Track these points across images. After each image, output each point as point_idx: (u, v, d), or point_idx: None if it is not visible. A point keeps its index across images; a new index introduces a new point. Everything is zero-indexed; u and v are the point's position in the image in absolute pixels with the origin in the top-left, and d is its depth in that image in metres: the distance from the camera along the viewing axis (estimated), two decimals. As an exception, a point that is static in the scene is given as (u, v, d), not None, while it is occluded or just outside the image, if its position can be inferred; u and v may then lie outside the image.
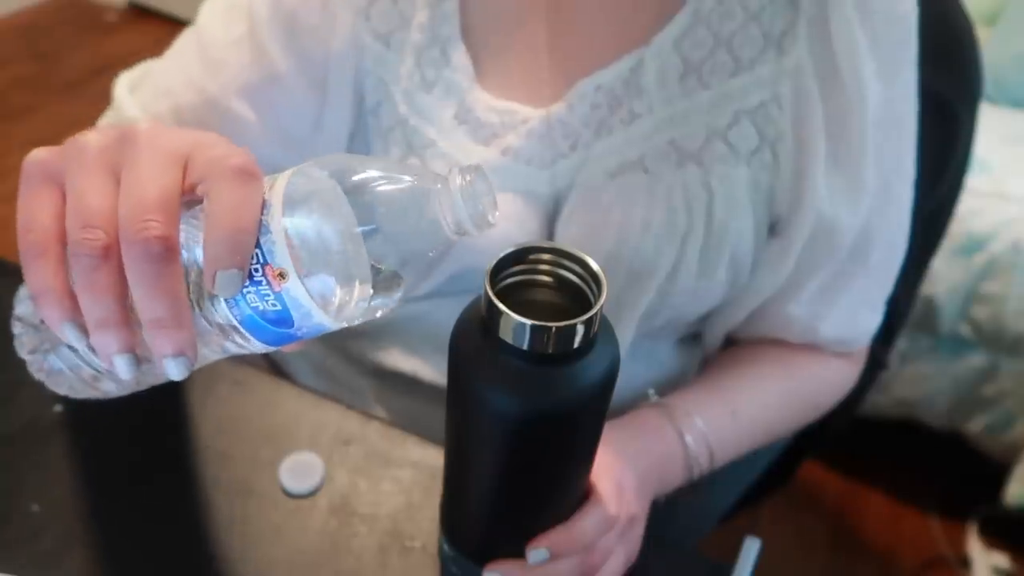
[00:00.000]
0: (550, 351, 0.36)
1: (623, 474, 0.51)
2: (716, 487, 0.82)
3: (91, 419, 0.57)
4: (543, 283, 0.39)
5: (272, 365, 0.79)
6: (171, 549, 0.51)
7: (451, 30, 0.59)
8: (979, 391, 1.43)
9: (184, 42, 0.64)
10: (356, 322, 0.37)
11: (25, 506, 0.52)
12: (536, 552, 0.45)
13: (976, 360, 1.42)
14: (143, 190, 0.33)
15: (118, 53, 2.61)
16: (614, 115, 0.58)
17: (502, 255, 0.37)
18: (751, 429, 0.63)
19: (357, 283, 0.35)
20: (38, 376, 0.38)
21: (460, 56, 0.59)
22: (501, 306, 0.35)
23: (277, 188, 0.35)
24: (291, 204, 0.34)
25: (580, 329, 0.35)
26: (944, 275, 1.35)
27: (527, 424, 0.38)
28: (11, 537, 0.50)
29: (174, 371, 0.34)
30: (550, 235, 0.60)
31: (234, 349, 0.37)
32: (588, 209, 0.58)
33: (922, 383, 1.45)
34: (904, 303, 0.74)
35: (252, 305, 0.34)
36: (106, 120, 0.66)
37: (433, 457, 0.57)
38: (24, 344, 0.38)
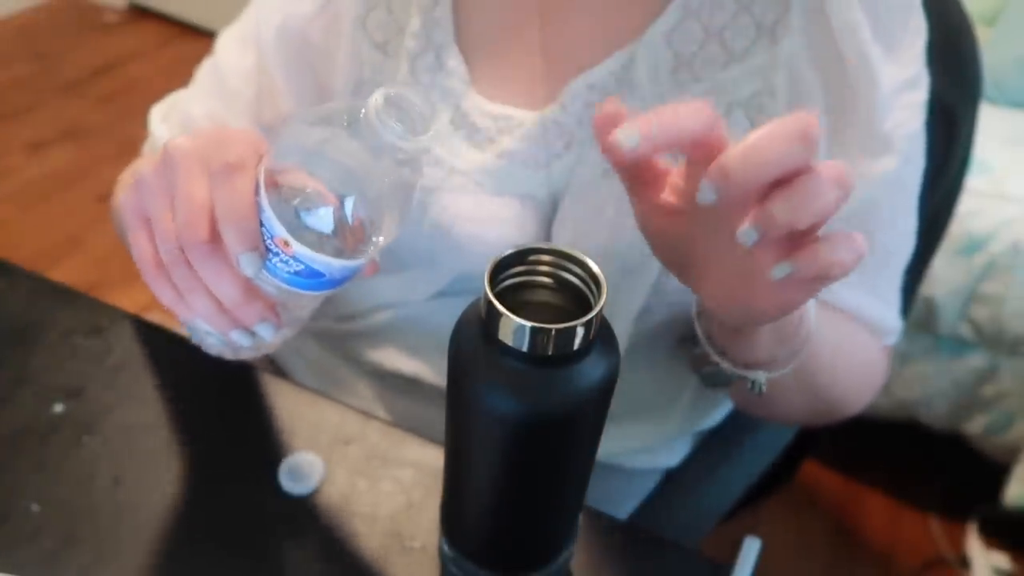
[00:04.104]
0: (550, 353, 0.36)
1: None
2: (717, 486, 0.82)
3: (91, 419, 0.57)
4: (543, 284, 0.39)
5: (272, 365, 0.79)
6: (171, 549, 0.51)
7: (444, 36, 0.59)
8: (979, 391, 1.43)
9: (204, 73, 0.68)
10: (376, 252, 0.42)
11: (25, 506, 0.52)
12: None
13: (976, 360, 1.41)
14: (184, 206, 0.40)
15: (118, 53, 2.60)
16: None
17: (502, 256, 0.37)
18: (826, 335, 0.55)
19: (351, 223, 0.40)
20: (215, 354, 0.48)
21: (454, 61, 0.59)
22: (501, 308, 0.35)
23: (259, 168, 0.40)
24: (272, 177, 0.39)
25: (580, 331, 0.35)
26: (944, 275, 1.35)
27: (527, 426, 0.38)
28: (11, 537, 0.51)
29: (265, 334, 0.43)
30: (547, 235, 0.60)
31: (307, 302, 0.44)
32: (582, 207, 0.58)
33: (922, 383, 1.45)
34: (904, 303, 0.74)
35: (285, 271, 0.40)
36: (146, 149, 0.70)
37: (433, 457, 0.57)
38: (193, 335, 0.48)
